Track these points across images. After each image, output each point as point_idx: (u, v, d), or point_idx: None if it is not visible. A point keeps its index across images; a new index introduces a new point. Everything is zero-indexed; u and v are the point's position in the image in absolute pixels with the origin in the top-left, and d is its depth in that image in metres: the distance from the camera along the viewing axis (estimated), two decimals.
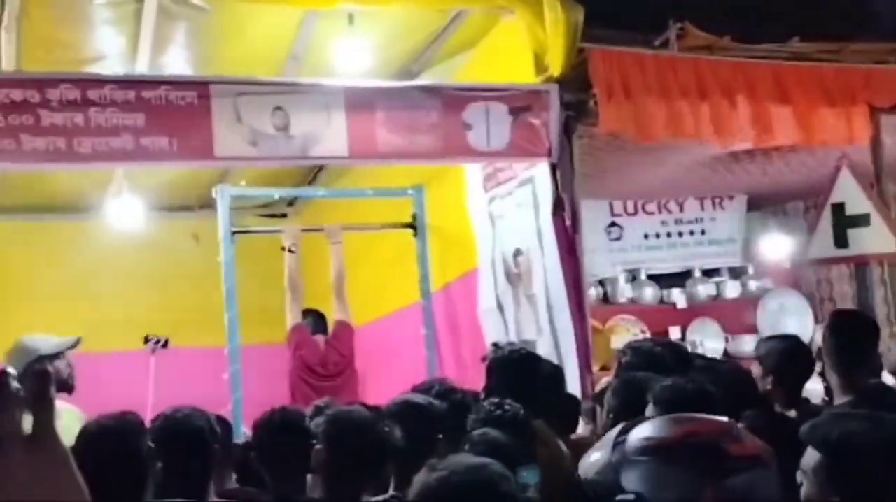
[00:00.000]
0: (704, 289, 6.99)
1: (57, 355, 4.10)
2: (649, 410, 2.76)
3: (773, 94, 4.87)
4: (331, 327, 5.64)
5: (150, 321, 6.07)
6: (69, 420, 3.88)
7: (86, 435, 2.96)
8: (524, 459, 2.53)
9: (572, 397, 4.07)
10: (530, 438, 2.73)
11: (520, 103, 4.50)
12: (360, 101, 4.24)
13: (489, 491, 1.89)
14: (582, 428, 4.01)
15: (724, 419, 1.58)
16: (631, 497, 1.45)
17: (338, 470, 2.50)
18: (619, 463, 1.51)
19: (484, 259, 5.20)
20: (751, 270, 7.15)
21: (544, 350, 4.60)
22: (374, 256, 6.14)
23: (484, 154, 4.49)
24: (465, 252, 5.38)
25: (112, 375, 6.17)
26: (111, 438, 2.87)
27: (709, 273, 7.10)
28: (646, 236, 7.19)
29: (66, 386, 4.09)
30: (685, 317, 6.80)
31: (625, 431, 1.57)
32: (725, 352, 6.74)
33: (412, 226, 5.71)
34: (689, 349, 6.57)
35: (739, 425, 1.56)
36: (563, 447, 3.30)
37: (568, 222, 4.56)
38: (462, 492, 1.86)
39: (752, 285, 7.10)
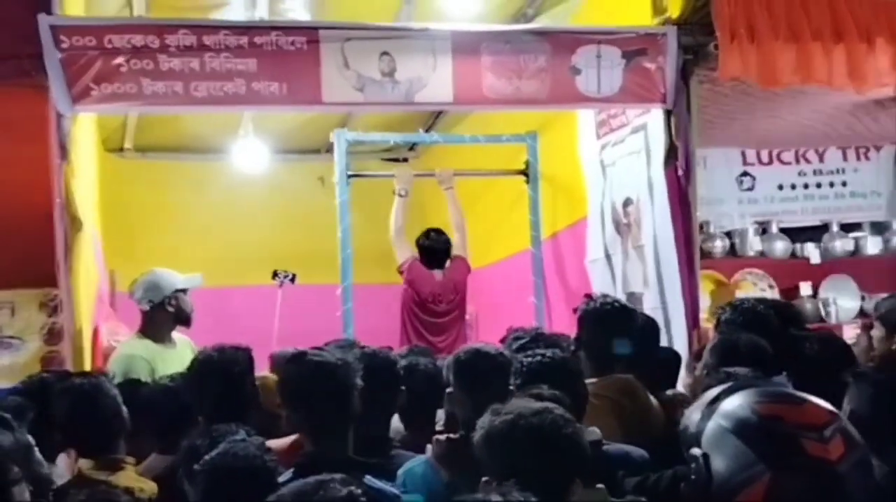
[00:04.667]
0: (842, 245, 6.56)
1: (184, 290, 4.34)
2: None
3: None
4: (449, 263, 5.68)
5: (273, 259, 6.33)
6: (185, 350, 4.14)
7: (196, 363, 3.17)
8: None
9: (672, 351, 3.97)
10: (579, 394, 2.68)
11: (634, 46, 4.34)
12: (466, 46, 4.19)
13: (555, 434, 1.91)
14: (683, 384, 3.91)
15: (831, 411, 1.48)
16: (699, 452, 1.44)
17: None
18: (705, 421, 1.48)
19: (594, 208, 5.10)
20: (895, 226, 6.67)
21: (650, 303, 4.51)
22: (487, 203, 6.14)
23: (593, 100, 4.36)
24: (576, 200, 5.29)
25: (238, 308, 6.52)
26: (215, 368, 3.07)
27: (848, 228, 6.67)
28: (780, 187, 6.79)
29: (188, 320, 4.34)
30: (818, 274, 6.43)
31: (726, 391, 1.51)
32: (861, 311, 6.37)
33: (525, 173, 5.64)
34: (821, 307, 6.30)
35: (844, 425, 1.45)
36: (654, 401, 3.24)
37: (681, 172, 4.40)
38: (529, 435, 1.91)
39: None
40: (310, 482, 1.72)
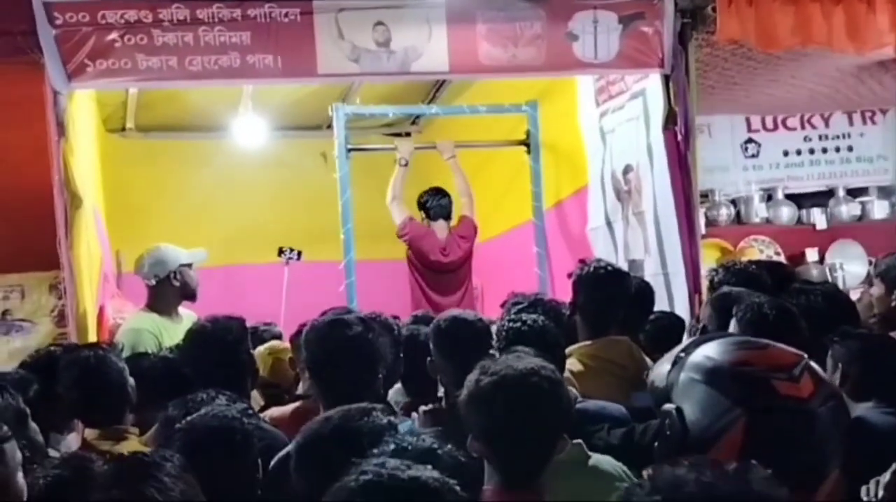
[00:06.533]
0: (848, 210, 6.54)
1: (189, 264, 4.38)
2: (732, 327, 2.66)
3: None
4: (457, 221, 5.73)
5: (278, 236, 6.34)
6: (191, 323, 4.17)
7: (190, 334, 3.21)
8: None
9: (675, 316, 3.97)
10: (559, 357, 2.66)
11: (631, 11, 4.31)
12: (461, 14, 4.17)
13: (539, 397, 1.90)
14: None
15: (796, 353, 1.47)
16: (672, 407, 1.43)
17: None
18: (674, 375, 1.48)
19: (594, 176, 5.09)
20: None
21: (651, 269, 4.51)
22: (489, 175, 6.12)
23: (591, 66, 4.34)
24: (577, 169, 5.27)
25: (245, 286, 6.54)
26: (209, 338, 3.10)
27: (854, 192, 6.63)
28: (785, 153, 6.75)
29: (194, 295, 4.38)
30: (825, 239, 6.40)
31: (692, 345, 1.51)
32: (868, 276, 6.34)
33: (525, 143, 5.62)
34: (828, 272, 6.27)
35: (809, 363, 1.44)
36: (650, 363, 3.24)
37: (680, 137, 4.37)
38: (513, 398, 1.88)
39: None
40: (355, 408, 1.81)
